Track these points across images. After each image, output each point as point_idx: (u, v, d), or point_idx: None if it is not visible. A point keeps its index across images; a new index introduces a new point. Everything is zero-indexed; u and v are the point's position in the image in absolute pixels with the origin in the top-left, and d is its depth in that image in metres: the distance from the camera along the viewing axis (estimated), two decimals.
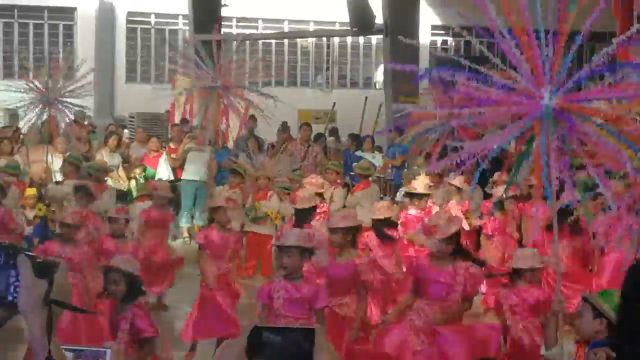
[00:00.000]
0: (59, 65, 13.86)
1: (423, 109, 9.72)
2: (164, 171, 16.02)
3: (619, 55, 5.74)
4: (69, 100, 13.44)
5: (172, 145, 16.48)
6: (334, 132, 20.21)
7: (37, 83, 13.29)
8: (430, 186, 11.81)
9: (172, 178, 15.74)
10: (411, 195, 11.53)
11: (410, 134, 13.42)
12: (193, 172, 15.58)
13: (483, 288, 9.97)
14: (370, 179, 14.15)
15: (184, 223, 15.27)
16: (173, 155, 16.06)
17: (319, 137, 18.36)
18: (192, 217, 15.58)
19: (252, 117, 16.05)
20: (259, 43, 26.71)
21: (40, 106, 13.28)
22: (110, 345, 2.84)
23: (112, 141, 15.81)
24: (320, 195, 11.85)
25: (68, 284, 7.27)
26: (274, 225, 12.94)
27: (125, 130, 19.91)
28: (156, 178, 15.42)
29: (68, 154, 13.41)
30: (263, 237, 12.74)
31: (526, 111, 5.67)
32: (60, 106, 13.37)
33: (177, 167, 15.97)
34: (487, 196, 12.63)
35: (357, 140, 18.72)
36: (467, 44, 27.60)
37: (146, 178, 15.66)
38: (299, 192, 10.87)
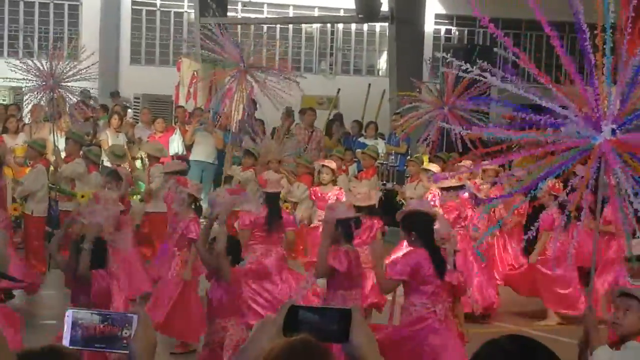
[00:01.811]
0: (63, 47, 13.90)
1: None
2: (175, 147, 16.09)
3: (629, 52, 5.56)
4: (73, 83, 13.46)
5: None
6: (338, 117, 20.24)
7: (41, 64, 13.31)
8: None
9: (184, 153, 15.95)
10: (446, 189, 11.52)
11: (410, 122, 13.64)
12: (200, 152, 15.67)
13: None
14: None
15: None
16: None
17: (332, 123, 18.44)
18: None
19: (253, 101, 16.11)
20: (263, 28, 26.74)
21: (44, 88, 13.29)
22: (137, 310, 2.83)
23: (115, 121, 15.85)
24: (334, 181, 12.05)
25: (7, 254, 7.26)
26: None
27: (130, 111, 19.97)
28: (171, 153, 15.50)
29: (71, 131, 13.47)
30: None
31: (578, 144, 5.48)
32: (64, 89, 13.38)
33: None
34: None
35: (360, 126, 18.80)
36: (471, 33, 27.66)
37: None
38: (265, 175, 10.85)
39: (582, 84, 5.49)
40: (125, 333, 2.70)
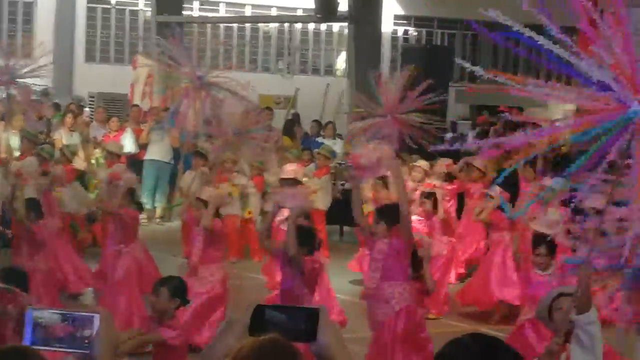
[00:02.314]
0: (16, 45, 13.73)
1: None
2: (129, 146, 15.93)
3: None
4: (27, 80, 13.28)
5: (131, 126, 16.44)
6: (295, 117, 20.18)
7: None
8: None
9: (138, 151, 15.80)
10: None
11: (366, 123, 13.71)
12: (156, 152, 15.53)
13: None
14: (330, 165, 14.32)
15: (146, 204, 15.21)
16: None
17: (291, 123, 18.36)
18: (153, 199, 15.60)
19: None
20: (220, 27, 26.56)
21: None
22: (99, 310, 2.76)
23: (69, 119, 15.67)
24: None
25: None
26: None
27: (86, 109, 19.73)
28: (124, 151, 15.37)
29: (24, 129, 13.26)
30: (232, 217, 12.98)
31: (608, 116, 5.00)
32: (18, 86, 13.20)
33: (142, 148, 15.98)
34: None
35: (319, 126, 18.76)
36: (429, 34, 27.72)
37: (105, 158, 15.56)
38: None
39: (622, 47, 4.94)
40: (87, 332, 2.66)
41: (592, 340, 5.52)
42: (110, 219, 9.91)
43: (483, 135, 22.39)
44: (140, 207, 10.06)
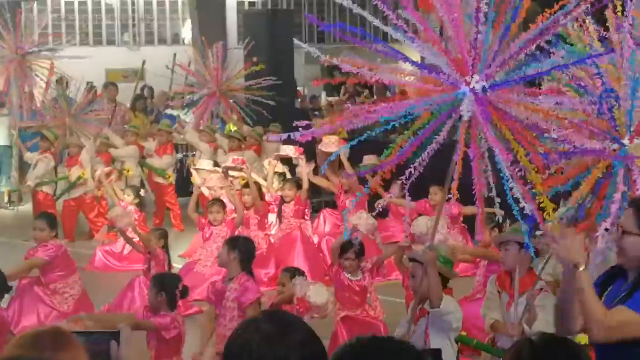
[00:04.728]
0: None
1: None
2: None
3: None
4: None
5: None
6: (148, 90, 19.86)
7: None
8: None
9: None
10: None
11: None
12: None
13: None
14: None
15: None
16: None
17: (139, 98, 18.05)
18: None
19: (60, 80, 15.56)
20: (61, 2, 25.82)
21: None
22: (122, 327, 2.74)
23: None
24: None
25: None
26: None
27: None
28: None
29: None
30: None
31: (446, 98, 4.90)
32: None
33: None
34: None
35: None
36: None
37: None
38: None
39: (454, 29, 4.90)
40: (111, 349, 2.73)
41: (449, 327, 5.77)
42: None
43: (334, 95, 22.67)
44: None
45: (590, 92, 5.04)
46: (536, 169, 4.83)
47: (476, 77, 4.82)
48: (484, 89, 4.81)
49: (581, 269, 3.73)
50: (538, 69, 4.87)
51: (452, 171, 4.96)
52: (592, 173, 4.87)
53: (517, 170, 4.77)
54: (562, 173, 5.08)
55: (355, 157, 11.50)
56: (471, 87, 4.81)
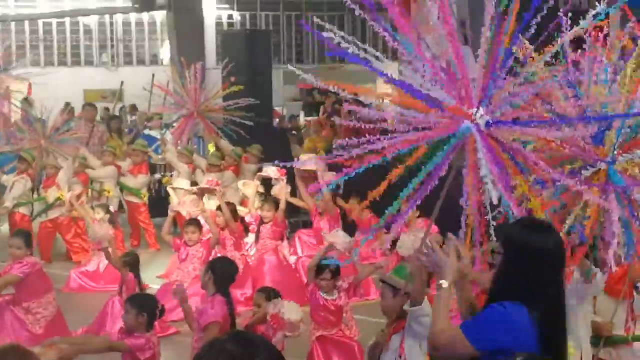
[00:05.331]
0: None
1: None
2: None
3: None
4: None
5: None
6: (133, 107, 19.86)
7: None
8: None
9: None
10: None
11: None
12: None
13: None
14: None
15: None
16: None
17: (114, 118, 18.03)
18: None
19: (25, 101, 15.57)
20: (38, 23, 25.80)
21: None
22: None
23: None
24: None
25: None
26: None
27: None
28: None
29: None
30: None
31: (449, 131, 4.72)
32: None
33: None
34: None
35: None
36: (253, 17, 27.78)
37: None
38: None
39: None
40: None
41: (425, 330, 5.73)
42: None
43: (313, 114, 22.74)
44: None
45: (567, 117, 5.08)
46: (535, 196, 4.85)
47: (480, 111, 4.68)
48: (487, 124, 4.69)
49: (444, 286, 4.08)
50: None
51: (439, 204, 4.92)
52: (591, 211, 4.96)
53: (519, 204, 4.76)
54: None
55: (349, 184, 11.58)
56: (475, 122, 4.68)
